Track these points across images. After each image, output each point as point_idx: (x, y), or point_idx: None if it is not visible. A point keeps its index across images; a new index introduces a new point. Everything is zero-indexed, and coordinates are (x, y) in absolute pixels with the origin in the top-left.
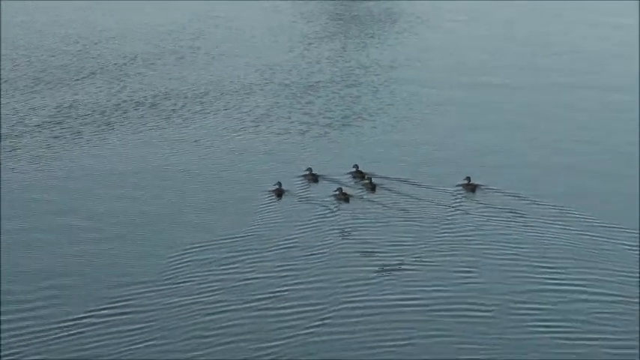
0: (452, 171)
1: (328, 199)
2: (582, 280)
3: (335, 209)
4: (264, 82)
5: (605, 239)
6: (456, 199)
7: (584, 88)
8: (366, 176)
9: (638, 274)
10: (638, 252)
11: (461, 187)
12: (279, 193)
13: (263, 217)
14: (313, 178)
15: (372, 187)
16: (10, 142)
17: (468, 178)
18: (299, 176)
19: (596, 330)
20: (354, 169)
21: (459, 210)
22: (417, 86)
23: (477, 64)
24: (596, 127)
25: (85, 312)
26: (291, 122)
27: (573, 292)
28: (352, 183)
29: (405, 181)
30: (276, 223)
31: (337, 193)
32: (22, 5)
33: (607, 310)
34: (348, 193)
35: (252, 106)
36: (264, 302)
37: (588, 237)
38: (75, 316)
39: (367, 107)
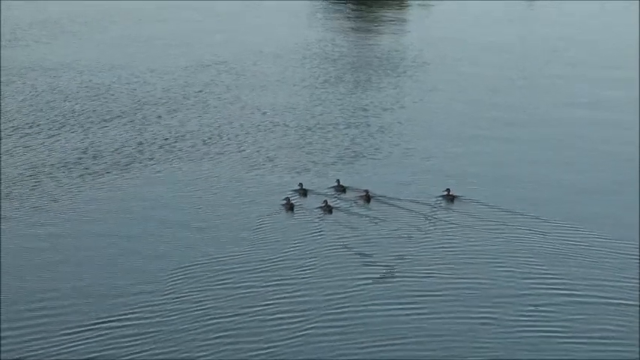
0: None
1: (315, 210)
2: (564, 285)
3: (320, 220)
4: (272, 122)
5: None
6: (436, 209)
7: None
8: (347, 189)
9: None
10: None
11: (441, 198)
12: (290, 206)
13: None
14: (303, 192)
15: (367, 199)
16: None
17: (448, 190)
18: (292, 190)
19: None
20: (336, 184)
21: (441, 219)
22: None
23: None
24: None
25: (91, 322)
26: (298, 160)
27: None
28: (335, 196)
29: (385, 196)
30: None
31: (323, 205)
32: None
33: (583, 315)
34: (332, 205)
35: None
36: (258, 311)
37: (564, 242)
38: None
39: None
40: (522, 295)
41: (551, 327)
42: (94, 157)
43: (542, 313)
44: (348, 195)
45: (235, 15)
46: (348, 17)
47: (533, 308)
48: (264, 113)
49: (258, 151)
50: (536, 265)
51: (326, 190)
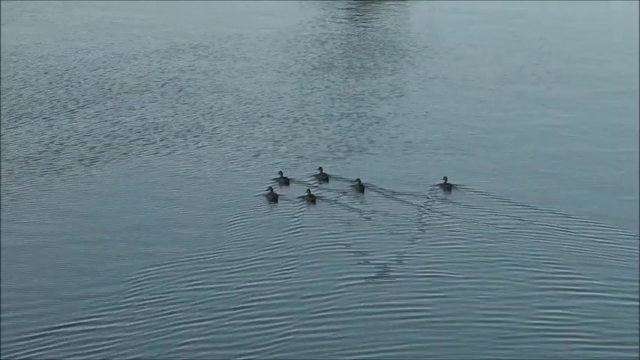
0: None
1: (297, 200)
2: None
3: (303, 212)
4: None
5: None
6: (433, 199)
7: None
8: (329, 178)
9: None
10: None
11: (438, 187)
12: (274, 197)
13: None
14: (284, 181)
15: (361, 189)
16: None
17: (445, 178)
18: (272, 179)
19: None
20: (319, 172)
21: (437, 211)
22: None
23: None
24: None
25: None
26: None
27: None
28: (317, 185)
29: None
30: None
31: (306, 195)
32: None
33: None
34: (315, 195)
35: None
36: (241, 310)
37: (564, 238)
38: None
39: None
40: (527, 296)
41: (568, 331)
42: (57, 152)
43: (557, 317)
44: (334, 184)
45: None
46: None
47: (560, 311)
48: (247, 103)
49: (239, 145)
50: (545, 262)
51: (308, 179)
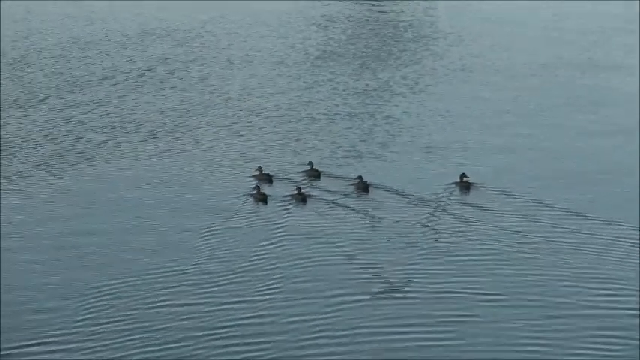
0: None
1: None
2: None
3: (293, 212)
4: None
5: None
6: (449, 197)
7: None
8: (321, 175)
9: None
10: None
11: (455, 186)
12: (262, 197)
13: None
14: (266, 178)
15: (365, 187)
16: None
17: (462, 175)
18: (249, 177)
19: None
20: (309, 167)
21: (453, 213)
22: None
23: None
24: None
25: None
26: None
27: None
28: (307, 181)
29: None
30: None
31: (295, 193)
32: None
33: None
34: (305, 193)
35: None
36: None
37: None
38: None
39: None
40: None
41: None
42: (9, 156)
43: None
44: (328, 183)
45: None
46: None
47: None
48: (237, 99)
49: (224, 147)
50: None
51: (295, 177)
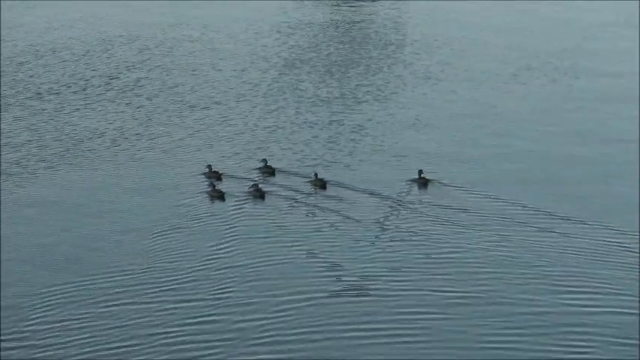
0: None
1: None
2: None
3: (252, 209)
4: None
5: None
6: (407, 194)
7: None
8: (276, 171)
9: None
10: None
11: (413, 182)
12: (219, 194)
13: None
14: (215, 175)
15: (322, 185)
16: None
17: (420, 172)
18: (199, 174)
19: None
20: (263, 164)
21: (409, 207)
22: None
23: None
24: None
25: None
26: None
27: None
28: (262, 178)
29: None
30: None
31: (252, 189)
32: None
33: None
34: (263, 189)
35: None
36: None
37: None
38: None
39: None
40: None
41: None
42: None
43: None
44: (283, 180)
45: None
46: None
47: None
48: (202, 107)
49: (185, 155)
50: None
51: (248, 174)
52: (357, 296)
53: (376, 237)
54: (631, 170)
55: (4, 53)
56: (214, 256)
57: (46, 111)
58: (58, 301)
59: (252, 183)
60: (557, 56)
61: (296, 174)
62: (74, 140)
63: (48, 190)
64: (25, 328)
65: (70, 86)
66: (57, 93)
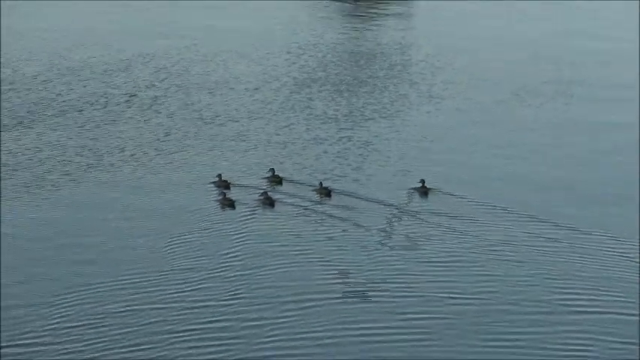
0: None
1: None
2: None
3: (260, 216)
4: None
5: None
6: (409, 203)
7: None
8: (283, 180)
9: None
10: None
11: (414, 191)
12: (229, 203)
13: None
14: (224, 184)
15: (327, 193)
16: None
17: (422, 181)
18: (209, 183)
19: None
20: (270, 174)
21: (411, 214)
22: None
23: None
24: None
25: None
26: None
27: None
28: (269, 187)
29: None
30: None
31: (262, 197)
32: None
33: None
34: (273, 197)
35: None
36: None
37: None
38: None
39: None
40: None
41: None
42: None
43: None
44: (291, 188)
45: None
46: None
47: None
48: (217, 124)
49: (200, 168)
50: (532, 279)
51: (258, 182)
52: (363, 298)
53: (380, 242)
54: None
55: (27, 72)
56: (228, 260)
57: (69, 127)
58: (83, 298)
59: (262, 191)
60: (559, 75)
61: (302, 183)
62: (96, 155)
63: (72, 200)
64: (49, 326)
65: (92, 104)
66: (80, 110)
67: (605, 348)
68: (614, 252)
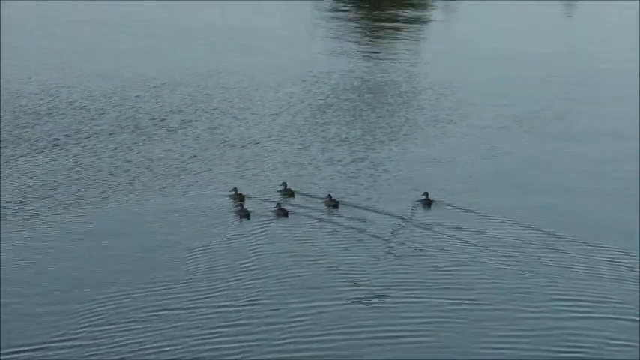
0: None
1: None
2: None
3: (274, 225)
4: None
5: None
6: (413, 214)
7: None
8: (295, 194)
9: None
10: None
11: (419, 203)
12: (245, 214)
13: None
14: (239, 197)
15: (335, 205)
16: None
17: (426, 194)
18: (225, 196)
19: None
20: (283, 187)
21: (415, 225)
22: None
23: None
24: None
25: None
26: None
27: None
28: (283, 200)
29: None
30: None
31: (276, 209)
32: None
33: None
34: (286, 209)
35: None
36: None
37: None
38: None
39: None
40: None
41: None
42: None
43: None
44: (302, 201)
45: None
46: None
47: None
48: (239, 146)
49: (222, 186)
50: (536, 288)
51: (271, 196)
52: (373, 304)
53: (388, 251)
54: None
55: (63, 99)
56: (245, 267)
57: (102, 149)
58: (109, 307)
59: (276, 203)
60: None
61: (312, 196)
62: (128, 175)
63: (104, 216)
64: (77, 331)
65: (123, 127)
66: (111, 133)
67: (612, 350)
68: (613, 261)
